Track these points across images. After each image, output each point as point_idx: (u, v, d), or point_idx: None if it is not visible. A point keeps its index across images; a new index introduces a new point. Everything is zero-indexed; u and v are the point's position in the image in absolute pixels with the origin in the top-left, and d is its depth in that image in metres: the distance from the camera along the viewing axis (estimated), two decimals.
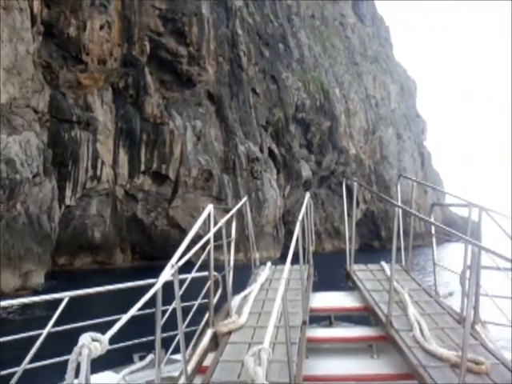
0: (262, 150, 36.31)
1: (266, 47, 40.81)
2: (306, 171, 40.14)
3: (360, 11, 59.01)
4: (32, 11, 25.55)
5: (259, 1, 42.68)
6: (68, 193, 25.13)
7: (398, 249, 4.81)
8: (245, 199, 5.67)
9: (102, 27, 29.84)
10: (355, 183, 6.75)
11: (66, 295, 2.99)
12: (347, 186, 8.96)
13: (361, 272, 5.97)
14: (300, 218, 4.41)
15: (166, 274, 2.80)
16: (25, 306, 13.20)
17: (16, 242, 16.82)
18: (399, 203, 5.29)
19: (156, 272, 2.85)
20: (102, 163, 27.07)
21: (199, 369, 3.43)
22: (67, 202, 25.11)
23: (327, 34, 50.29)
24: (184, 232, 27.70)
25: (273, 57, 40.81)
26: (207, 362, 3.49)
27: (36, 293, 17.22)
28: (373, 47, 58.57)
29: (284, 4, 45.83)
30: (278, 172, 37.76)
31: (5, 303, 2.99)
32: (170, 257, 2.98)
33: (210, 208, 4.20)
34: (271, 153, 37.58)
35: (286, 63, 42.03)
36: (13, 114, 17.30)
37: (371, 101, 53.07)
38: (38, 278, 18.72)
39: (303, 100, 41.58)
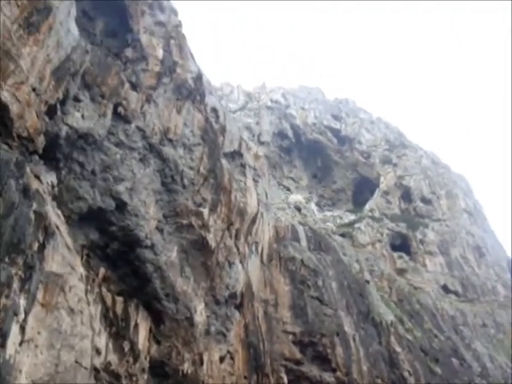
0: None
1: (436, 364, 33.23)
2: None
3: None
4: (133, 345, 22.04)
5: (415, 316, 37.05)
6: None
7: None
8: None
9: (222, 359, 25.06)
10: None
11: None
12: None
13: None
14: None
15: None
16: None
17: None
18: None
19: None
20: None
21: None
22: None
23: (508, 341, 41.92)
24: None
25: (447, 373, 32.89)
26: None
27: None
28: None
29: (446, 316, 39.54)
30: None
31: None
32: None
33: None
34: None
35: (466, 380, 33.57)
36: None
37: None
38: None
39: None
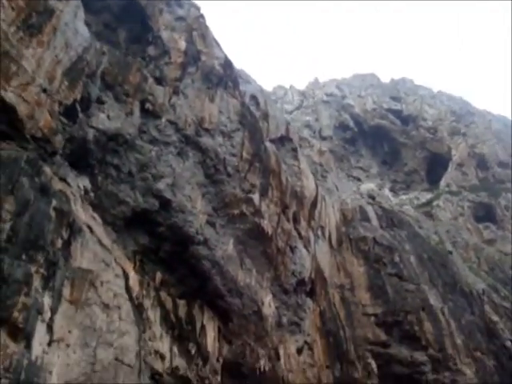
0: None
1: None
2: None
3: None
4: (199, 347, 20.96)
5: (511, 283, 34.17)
6: None
7: None
8: None
9: (300, 351, 23.50)
10: None
11: None
12: None
13: None
14: None
15: None
16: None
17: None
18: None
19: None
20: None
21: None
22: None
23: None
24: None
25: None
26: None
27: None
28: None
29: None
30: None
31: None
32: None
33: None
34: None
35: None
36: None
37: None
38: None
39: None
